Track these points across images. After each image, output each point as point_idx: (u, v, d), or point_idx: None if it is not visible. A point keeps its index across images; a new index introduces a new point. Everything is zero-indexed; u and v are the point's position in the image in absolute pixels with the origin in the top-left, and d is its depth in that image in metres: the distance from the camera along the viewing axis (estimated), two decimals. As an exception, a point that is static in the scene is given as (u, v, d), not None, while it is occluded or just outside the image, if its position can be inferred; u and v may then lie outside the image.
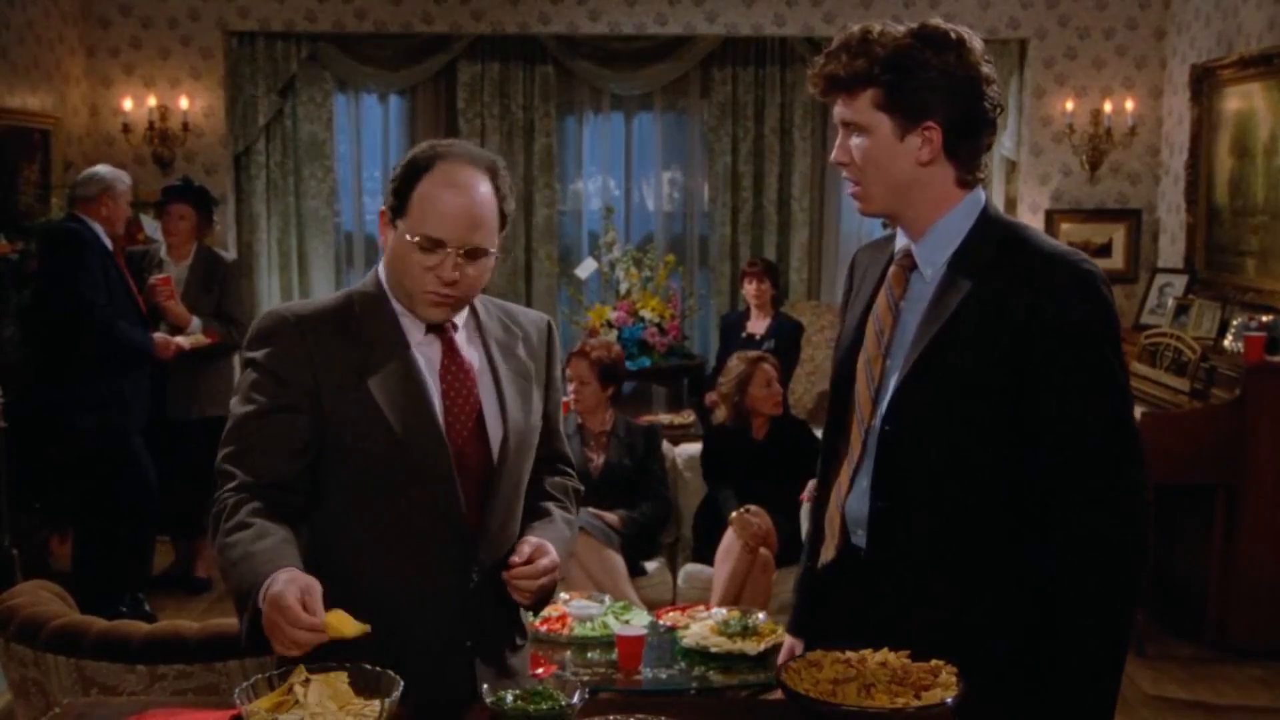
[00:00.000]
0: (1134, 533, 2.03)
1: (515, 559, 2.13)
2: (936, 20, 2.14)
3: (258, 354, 2.13)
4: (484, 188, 2.11)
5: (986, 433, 2.07)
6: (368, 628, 1.88)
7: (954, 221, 2.15)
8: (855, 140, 2.13)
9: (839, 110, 2.14)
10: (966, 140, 2.13)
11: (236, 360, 6.43)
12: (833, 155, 2.18)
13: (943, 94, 2.09)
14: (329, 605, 1.88)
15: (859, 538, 2.19)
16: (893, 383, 2.13)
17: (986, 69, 2.13)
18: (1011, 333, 2.03)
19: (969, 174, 2.15)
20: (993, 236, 2.13)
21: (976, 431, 2.07)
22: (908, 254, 2.20)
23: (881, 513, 2.14)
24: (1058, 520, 2.03)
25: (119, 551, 5.36)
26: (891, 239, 2.26)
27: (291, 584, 1.86)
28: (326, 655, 1.90)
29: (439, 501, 2.12)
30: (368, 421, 2.09)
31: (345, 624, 1.86)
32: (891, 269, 2.23)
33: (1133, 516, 2.03)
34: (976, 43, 2.12)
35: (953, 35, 2.11)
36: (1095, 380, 2.03)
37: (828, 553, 2.26)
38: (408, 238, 2.09)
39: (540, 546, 2.16)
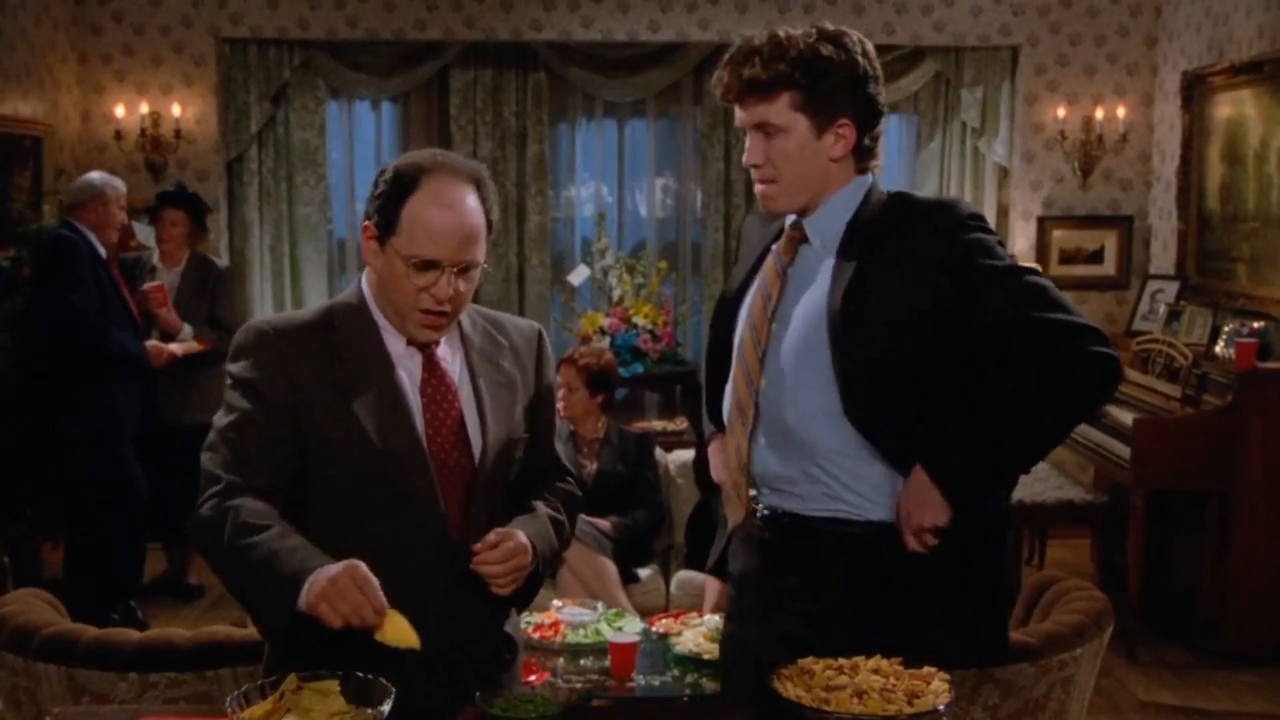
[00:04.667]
0: (1099, 349, 2.18)
1: (479, 546, 2.10)
2: (829, 24, 2.27)
3: (236, 368, 2.13)
4: (472, 200, 2.09)
5: (916, 367, 2.21)
6: (418, 645, 1.90)
7: (844, 196, 2.29)
8: (770, 141, 2.25)
9: (753, 112, 2.26)
10: (870, 134, 2.29)
11: (228, 367, 6.41)
12: (746, 158, 2.30)
13: (851, 93, 2.23)
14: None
15: (767, 496, 2.32)
16: (786, 344, 2.25)
17: (878, 66, 2.29)
18: (919, 271, 2.19)
19: (866, 163, 2.32)
20: (878, 205, 2.30)
21: (904, 368, 2.20)
22: (798, 225, 2.33)
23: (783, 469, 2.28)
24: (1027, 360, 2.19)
25: (110, 559, 5.34)
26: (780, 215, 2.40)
27: (352, 567, 1.90)
28: (317, 664, 1.90)
29: (421, 515, 2.12)
30: (348, 437, 2.08)
31: (404, 630, 1.89)
32: (781, 240, 2.36)
33: (1096, 336, 2.19)
34: (869, 43, 2.29)
35: (855, 36, 2.26)
36: (1009, 272, 2.20)
37: (735, 515, 2.37)
38: (399, 259, 2.05)
39: (505, 533, 2.13)
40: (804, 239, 2.32)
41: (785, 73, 2.19)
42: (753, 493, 2.34)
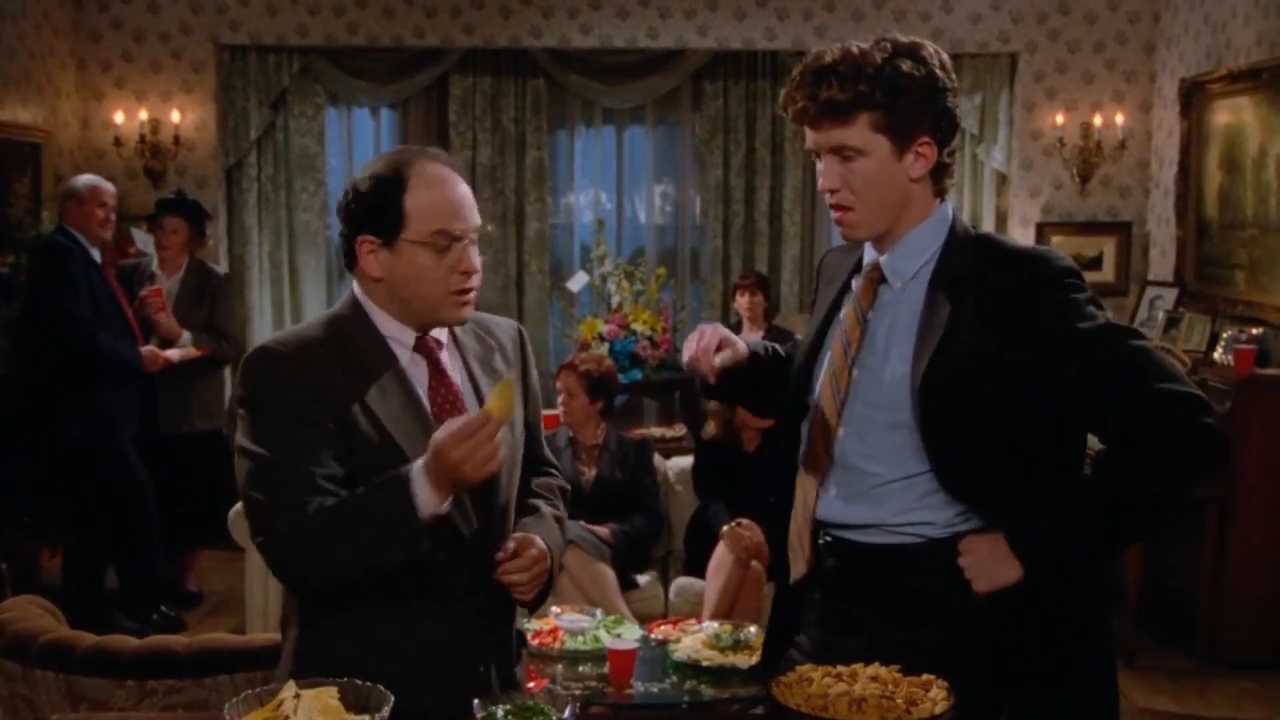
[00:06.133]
0: (1209, 420, 2.04)
1: (501, 555, 2.15)
2: (898, 35, 2.16)
3: (258, 393, 2.07)
4: (454, 172, 2.15)
5: (1006, 430, 2.09)
6: (508, 383, 2.01)
7: (925, 233, 2.18)
8: (848, 165, 2.12)
9: (829, 135, 2.12)
10: (948, 150, 2.17)
11: (227, 374, 6.42)
12: (823, 183, 2.16)
13: (931, 108, 2.12)
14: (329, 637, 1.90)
15: (835, 537, 2.21)
16: (867, 396, 2.15)
17: (954, 77, 2.18)
18: (1009, 330, 2.07)
19: (943, 182, 2.19)
20: (966, 248, 2.16)
21: (993, 430, 2.08)
22: (876, 266, 2.21)
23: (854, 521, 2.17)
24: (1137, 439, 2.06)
25: (118, 565, 5.35)
26: (860, 245, 2.27)
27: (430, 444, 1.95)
28: (319, 672, 1.90)
29: (450, 519, 2.11)
30: (376, 446, 2.06)
31: (495, 401, 1.98)
32: (859, 281, 2.24)
33: (1206, 408, 2.05)
34: (945, 54, 2.17)
35: (931, 47, 2.15)
36: (1109, 334, 2.07)
37: (798, 568, 2.26)
38: (419, 247, 2.08)
39: (525, 539, 2.18)
40: (883, 279, 2.19)
41: (865, 93, 2.06)
42: (823, 539, 2.23)
